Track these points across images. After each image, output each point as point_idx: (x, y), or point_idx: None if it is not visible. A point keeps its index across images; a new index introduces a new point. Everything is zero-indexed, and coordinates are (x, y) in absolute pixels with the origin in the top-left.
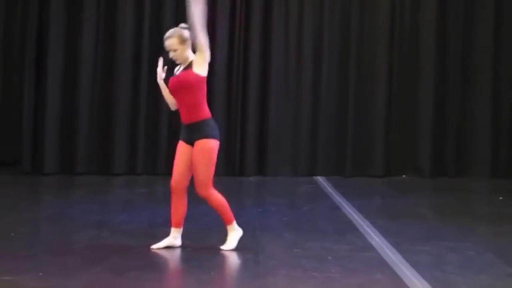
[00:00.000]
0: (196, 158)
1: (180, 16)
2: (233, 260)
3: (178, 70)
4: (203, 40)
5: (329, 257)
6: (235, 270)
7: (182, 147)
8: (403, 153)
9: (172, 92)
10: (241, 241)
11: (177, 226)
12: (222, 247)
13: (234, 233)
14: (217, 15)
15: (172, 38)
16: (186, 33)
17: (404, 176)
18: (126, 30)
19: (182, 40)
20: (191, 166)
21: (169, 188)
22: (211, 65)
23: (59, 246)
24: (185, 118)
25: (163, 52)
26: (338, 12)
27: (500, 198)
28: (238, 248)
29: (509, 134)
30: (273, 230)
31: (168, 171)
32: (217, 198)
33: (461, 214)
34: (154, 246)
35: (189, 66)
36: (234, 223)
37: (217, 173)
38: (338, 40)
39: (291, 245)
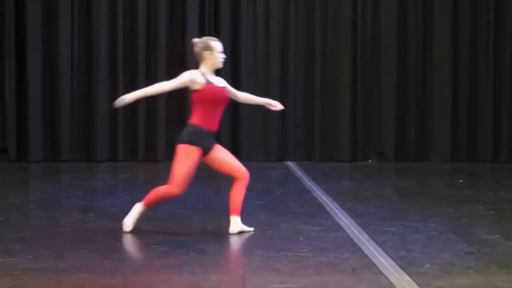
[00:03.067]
0: (225, 154)
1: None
2: (212, 241)
3: (212, 80)
4: None
5: (301, 238)
6: (213, 250)
7: (197, 156)
8: (368, 139)
9: (222, 102)
10: (219, 224)
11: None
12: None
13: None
14: (187, 12)
15: None
16: None
17: (369, 161)
18: (102, 18)
19: None
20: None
21: (175, 192)
22: (184, 57)
23: (48, 229)
24: (216, 127)
25: None
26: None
27: (461, 180)
28: (217, 231)
29: (468, 120)
30: (248, 213)
31: (147, 158)
32: None
33: (424, 196)
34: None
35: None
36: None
37: None
38: (304, 30)
39: (266, 227)
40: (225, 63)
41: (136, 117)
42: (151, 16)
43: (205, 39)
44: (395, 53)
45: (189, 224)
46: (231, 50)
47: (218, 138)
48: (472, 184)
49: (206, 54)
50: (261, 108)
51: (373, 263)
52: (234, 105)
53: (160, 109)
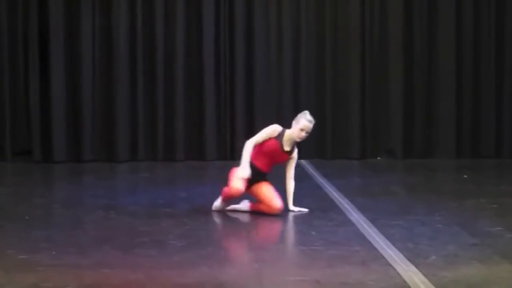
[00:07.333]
0: None
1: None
2: (229, 236)
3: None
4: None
5: (313, 232)
6: (230, 245)
7: None
8: (377, 137)
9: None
10: (235, 220)
11: None
12: None
13: None
14: (203, 12)
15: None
16: None
17: (378, 158)
18: (121, 21)
19: None
20: None
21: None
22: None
23: (71, 227)
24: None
25: None
26: (313, 4)
27: (465, 176)
28: (233, 226)
29: (471, 118)
30: None
31: (166, 157)
32: None
33: (430, 191)
34: None
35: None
36: None
37: (209, 157)
38: (314, 37)
39: (280, 222)
40: (240, 66)
41: (155, 118)
42: (169, 22)
43: (301, 114)
44: (401, 55)
45: (206, 221)
46: (246, 56)
47: (233, 135)
48: (476, 179)
49: (293, 123)
50: (274, 111)
51: (381, 255)
52: (248, 110)
53: (179, 111)
